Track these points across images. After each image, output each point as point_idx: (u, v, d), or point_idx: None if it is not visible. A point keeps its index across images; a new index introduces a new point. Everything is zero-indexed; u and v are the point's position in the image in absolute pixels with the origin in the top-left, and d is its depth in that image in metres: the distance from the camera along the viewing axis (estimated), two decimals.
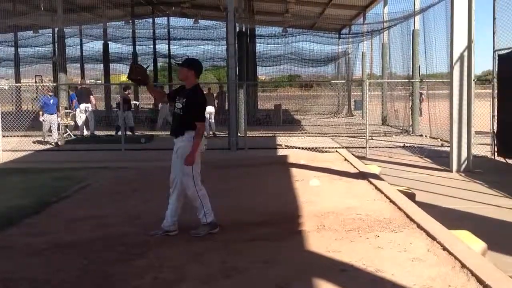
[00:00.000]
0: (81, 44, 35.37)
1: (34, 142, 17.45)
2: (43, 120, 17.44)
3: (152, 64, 36.86)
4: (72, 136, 19.52)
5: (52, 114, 17.51)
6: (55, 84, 20.61)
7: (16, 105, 20.62)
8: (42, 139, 17.58)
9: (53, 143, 17.10)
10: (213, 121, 19.93)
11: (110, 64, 32.42)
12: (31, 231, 6.47)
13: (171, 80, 37.72)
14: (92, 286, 4.62)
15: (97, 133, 20.12)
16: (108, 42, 31.28)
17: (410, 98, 21.10)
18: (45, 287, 4.61)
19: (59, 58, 20.35)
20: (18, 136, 16.85)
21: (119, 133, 19.28)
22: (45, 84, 29.30)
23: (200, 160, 6.30)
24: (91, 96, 19.98)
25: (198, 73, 6.43)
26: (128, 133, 19.49)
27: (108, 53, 31.52)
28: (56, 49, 26.28)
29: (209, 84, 38.88)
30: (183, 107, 6.22)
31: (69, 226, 6.68)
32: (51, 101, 17.57)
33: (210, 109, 19.47)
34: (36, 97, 27.63)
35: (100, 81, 39.30)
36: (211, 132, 19.53)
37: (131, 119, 20.12)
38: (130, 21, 31.02)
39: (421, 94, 21.83)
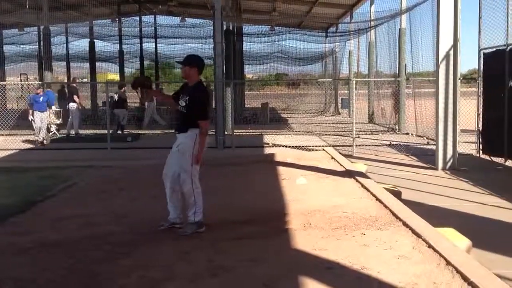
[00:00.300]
0: (66, 42, 35.11)
1: (24, 141, 17.26)
2: (32, 120, 17.17)
3: (139, 62, 36.75)
4: (58, 135, 19.38)
5: (43, 111, 17.30)
6: (40, 82, 20.47)
7: (0, 103, 20.40)
8: (36, 138, 17.24)
9: (38, 142, 16.91)
10: None
11: (96, 63, 32.24)
12: (16, 230, 6.42)
13: (158, 79, 37.59)
14: (79, 285, 4.60)
15: (83, 131, 20.01)
16: (94, 40, 31.08)
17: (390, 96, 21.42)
18: (30, 286, 4.58)
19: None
20: (3, 135, 16.74)
21: (120, 131, 19.29)
22: (30, 82, 29.15)
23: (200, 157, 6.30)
24: (75, 96, 19.84)
25: (200, 70, 6.42)
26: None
27: (94, 51, 31.33)
28: (42, 47, 26.14)
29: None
30: (186, 105, 6.20)
31: (55, 225, 6.63)
32: (41, 99, 17.36)
33: None
34: (22, 95, 27.44)
35: (86, 80, 39.07)
36: None
37: (126, 117, 20.10)
38: (117, 19, 30.86)
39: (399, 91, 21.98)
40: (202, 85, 6.46)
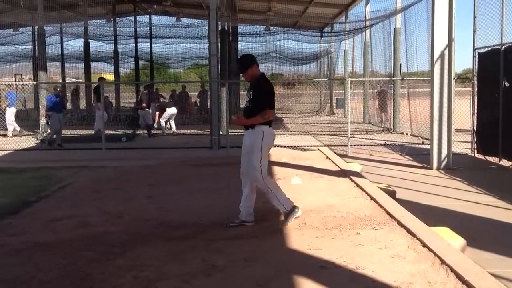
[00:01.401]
0: (61, 42, 35.03)
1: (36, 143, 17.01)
2: (47, 122, 16.92)
3: (134, 62, 36.69)
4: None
5: (59, 113, 17.16)
6: (35, 82, 20.42)
7: None
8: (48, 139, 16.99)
9: (56, 144, 16.57)
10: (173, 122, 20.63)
11: (91, 63, 32.20)
12: (10, 231, 6.39)
13: (153, 79, 37.55)
14: (72, 286, 4.57)
15: (79, 132, 19.99)
16: (89, 40, 31.03)
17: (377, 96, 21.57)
18: (24, 287, 4.55)
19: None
20: None
21: (147, 132, 19.25)
22: (25, 82, 29.05)
23: (268, 154, 6.49)
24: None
25: (257, 64, 6.50)
26: (144, 132, 19.58)
27: (89, 51, 31.28)
28: (37, 47, 26.05)
29: (189, 82, 38.72)
30: (251, 99, 6.34)
31: (49, 226, 6.61)
32: (58, 100, 17.28)
33: (172, 110, 20.02)
34: (16, 96, 27.32)
35: (80, 80, 38.98)
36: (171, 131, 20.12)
37: (150, 118, 20.05)
38: (112, 19, 30.81)
39: (386, 91, 22.14)
40: (264, 77, 6.56)
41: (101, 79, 21.59)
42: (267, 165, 6.45)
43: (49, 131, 18.53)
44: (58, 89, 17.91)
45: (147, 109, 20.05)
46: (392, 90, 21.33)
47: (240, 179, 6.60)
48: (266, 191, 6.38)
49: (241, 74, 6.56)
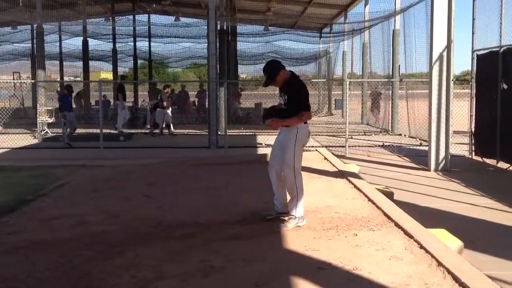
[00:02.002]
0: (60, 41, 34.99)
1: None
2: (63, 121, 16.93)
3: (133, 61, 36.66)
4: (50, 134, 19.32)
5: (70, 111, 17.13)
6: (33, 81, 20.40)
7: None
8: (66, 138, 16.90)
9: (66, 143, 16.60)
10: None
11: (90, 61, 32.15)
12: (7, 230, 6.38)
13: (151, 78, 37.53)
14: (70, 285, 4.57)
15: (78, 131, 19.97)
16: (87, 39, 30.98)
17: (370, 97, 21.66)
18: (21, 286, 4.55)
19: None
20: None
21: (168, 131, 19.24)
22: (23, 80, 29.02)
23: (301, 151, 6.47)
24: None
25: (283, 67, 6.49)
26: (165, 131, 19.63)
27: (87, 50, 31.24)
28: (35, 45, 26.03)
29: (188, 82, 38.68)
30: (286, 103, 6.37)
31: (46, 224, 6.60)
32: (70, 99, 17.27)
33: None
34: (14, 94, 27.33)
35: (79, 78, 38.95)
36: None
37: (170, 116, 20.04)
38: (110, 18, 30.78)
39: (380, 93, 22.25)
40: (294, 78, 6.53)
41: (123, 77, 21.54)
42: (300, 163, 6.43)
43: (45, 131, 18.54)
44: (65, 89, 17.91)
45: (167, 108, 19.88)
46: (390, 91, 21.37)
47: (268, 170, 6.60)
48: (291, 188, 6.34)
49: (273, 81, 6.43)
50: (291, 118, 6.28)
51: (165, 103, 19.61)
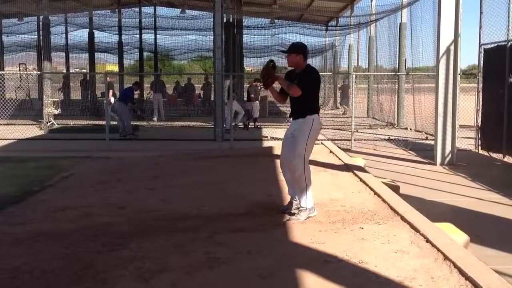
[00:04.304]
0: (66, 33, 35.01)
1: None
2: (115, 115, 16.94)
3: (138, 53, 36.66)
4: (56, 125, 19.35)
5: (127, 104, 17.08)
6: (39, 72, 20.42)
7: None
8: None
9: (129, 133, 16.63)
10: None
11: (96, 53, 32.18)
12: (13, 221, 6.39)
13: (157, 70, 37.51)
14: (75, 276, 4.57)
15: (81, 122, 20.00)
16: (93, 31, 30.98)
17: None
18: (26, 276, 4.55)
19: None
20: (1, 124, 16.71)
21: (253, 124, 19.24)
22: (29, 72, 29.05)
23: (313, 145, 6.45)
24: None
25: (306, 57, 6.42)
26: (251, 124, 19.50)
27: (93, 42, 31.25)
28: (41, 37, 26.03)
29: (193, 75, 38.66)
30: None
31: (52, 216, 6.60)
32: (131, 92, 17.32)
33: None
34: (20, 85, 27.36)
35: (84, 70, 38.97)
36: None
37: (258, 109, 19.89)
38: (116, 9, 30.76)
39: (348, 86, 22.39)
40: (312, 67, 6.49)
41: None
42: (309, 157, 6.42)
43: (51, 122, 18.58)
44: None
45: (256, 102, 19.76)
46: (396, 85, 21.30)
47: (281, 168, 6.64)
48: (300, 180, 6.29)
49: (287, 56, 6.37)
50: (294, 87, 6.19)
51: (252, 95, 19.61)
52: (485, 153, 13.08)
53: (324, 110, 31.17)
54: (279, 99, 6.72)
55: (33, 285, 4.39)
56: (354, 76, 17.83)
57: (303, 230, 5.80)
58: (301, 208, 6.30)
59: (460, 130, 13.37)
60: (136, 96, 29.04)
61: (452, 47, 11.89)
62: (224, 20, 19.70)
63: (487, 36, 13.17)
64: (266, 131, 17.73)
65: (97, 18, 30.73)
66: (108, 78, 19.98)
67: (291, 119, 6.54)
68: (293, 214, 6.33)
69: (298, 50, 6.37)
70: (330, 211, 6.63)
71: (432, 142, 12.83)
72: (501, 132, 12.24)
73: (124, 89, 17.62)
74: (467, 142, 14.03)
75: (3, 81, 19.28)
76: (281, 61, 41.23)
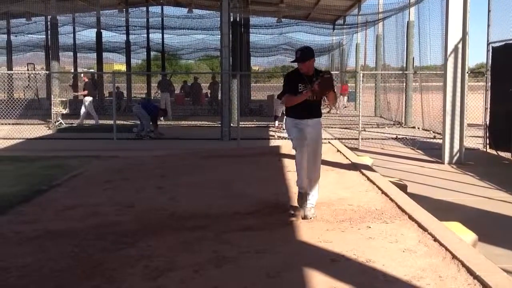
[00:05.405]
0: (74, 32, 35.12)
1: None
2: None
3: (146, 53, 36.71)
4: (64, 124, 19.43)
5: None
6: (47, 72, 20.51)
7: (7, 93, 20.48)
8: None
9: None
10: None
11: (103, 53, 32.26)
12: (22, 219, 6.43)
13: (164, 69, 37.56)
14: (83, 275, 4.59)
15: (88, 121, 20.08)
16: (101, 30, 31.06)
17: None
18: (35, 275, 4.58)
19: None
20: (9, 124, 16.78)
21: None
22: (37, 72, 29.16)
23: None
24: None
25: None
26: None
27: (101, 41, 31.33)
28: (49, 37, 26.14)
29: (201, 74, 38.62)
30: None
31: (60, 215, 6.64)
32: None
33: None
34: (28, 85, 27.49)
35: (92, 69, 39.10)
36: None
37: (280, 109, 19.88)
38: (124, 9, 30.81)
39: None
40: (319, 70, 6.73)
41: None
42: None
43: (60, 121, 18.66)
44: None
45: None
46: (404, 84, 21.25)
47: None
48: (317, 180, 6.53)
49: (297, 63, 6.41)
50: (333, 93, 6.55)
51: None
52: (493, 152, 13.02)
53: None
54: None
55: (42, 283, 4.41)
56: (361, 75, 17.78)
57: (310, 229, 5.80)
58: (312, 206, 6.40)
59: (468, 128, 13.32)
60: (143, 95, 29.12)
61: (460, 46, 11.85)
62: (231, 19, 19.73)
63: (495, 34, 13.13)
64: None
65: (105, 17, 30.77)
66: (85, 78, 20.20)
67: (305, 119, 6.45)
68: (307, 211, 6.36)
69: (313, 54, 6.54)
70: (338, 210, 6.63)
71: (440, 141, 12.78)
72: (510, 130, 12.18)
73: (154, 104, 17.72)
74: (475, 141, 13.97)
75: (11, 81, 19.37)
76: (288, 60, 41.36)
